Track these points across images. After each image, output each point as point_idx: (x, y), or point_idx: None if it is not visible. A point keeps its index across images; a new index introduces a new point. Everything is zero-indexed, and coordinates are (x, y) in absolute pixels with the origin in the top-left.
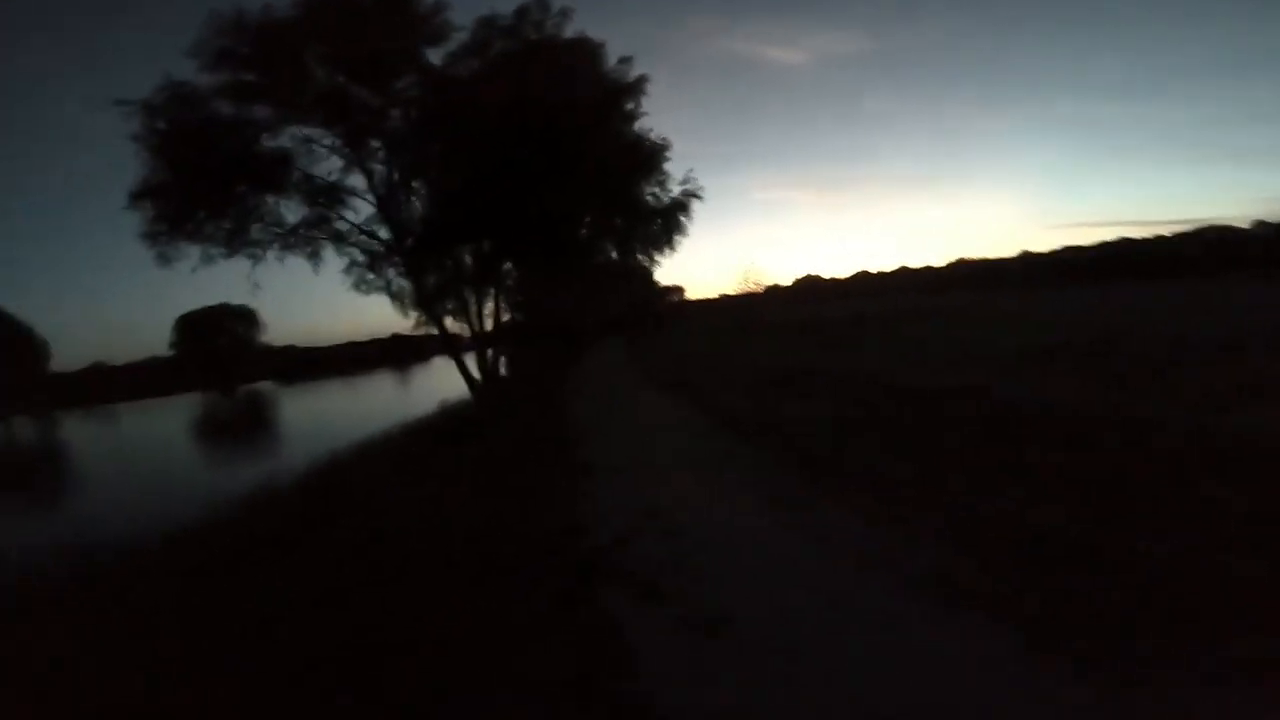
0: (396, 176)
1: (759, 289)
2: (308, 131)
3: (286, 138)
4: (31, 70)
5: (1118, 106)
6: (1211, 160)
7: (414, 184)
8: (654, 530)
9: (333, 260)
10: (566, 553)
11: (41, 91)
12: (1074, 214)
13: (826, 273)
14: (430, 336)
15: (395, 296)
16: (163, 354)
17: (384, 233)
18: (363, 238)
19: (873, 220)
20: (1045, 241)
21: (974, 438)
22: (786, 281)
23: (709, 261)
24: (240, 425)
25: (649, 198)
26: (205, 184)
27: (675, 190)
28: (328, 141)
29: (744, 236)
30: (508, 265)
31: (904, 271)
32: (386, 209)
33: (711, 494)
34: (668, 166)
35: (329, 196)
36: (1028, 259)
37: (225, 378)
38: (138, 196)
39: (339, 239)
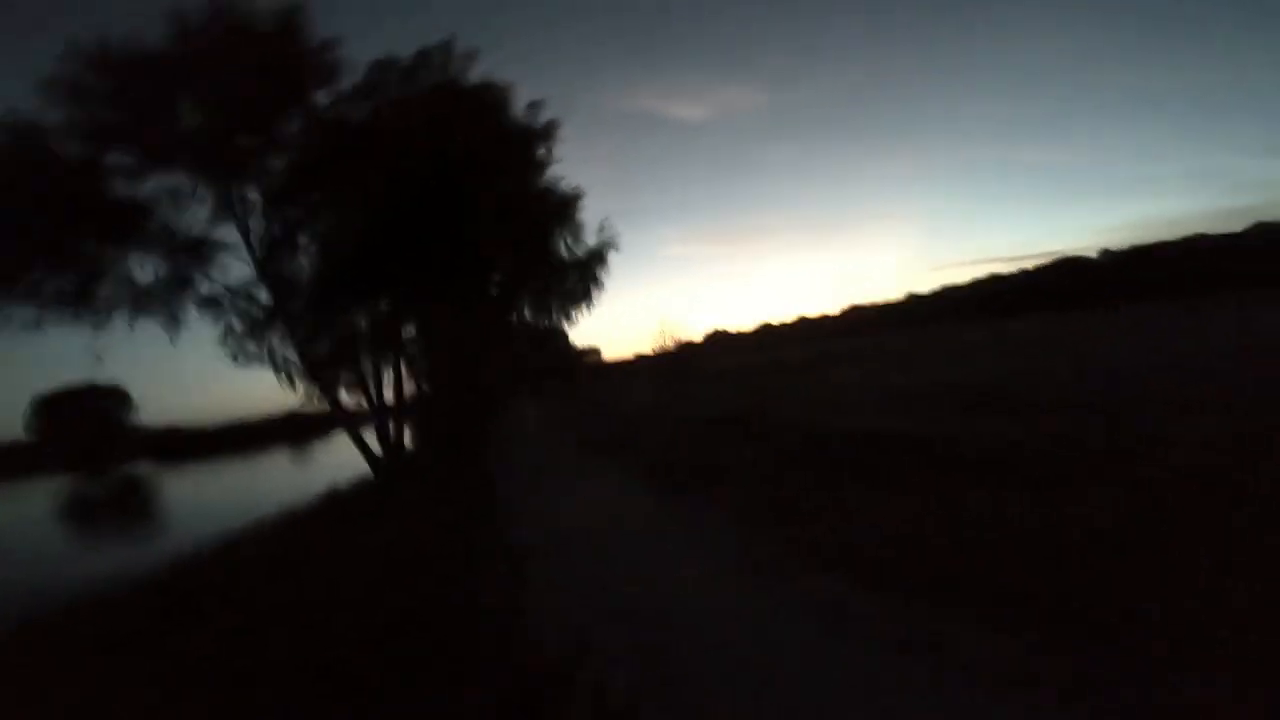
0: (277, 231)
1: (675, 347)
2: (173, 180)
3: (148, 185)
4: None
5: (988, 150)
6: (1066, 198)
7: (299, 240)
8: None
9: (200, 328)
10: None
11: None
12: (953, 253)
13: (732, 326)
14: (331, 411)
15: (279, 368)
16: (15, 437)
17: (264, 295)
18: (239, 302)
19: (776, 269)
20: (928, 281)
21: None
22: (697, 337)
23: (621, 320)
24: (87, 511)
25: (563, 250)
26: (43, 234)
27: (591, 241)
28: (196, 191)
29: (653, 293)
30: (409, 329)
31: (802, 321)
32: (266, 268)
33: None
34: (581, 217)
35: (192, 253)
36: (913, 301)
37: (93, 460)
38: None
39: (211, 303)
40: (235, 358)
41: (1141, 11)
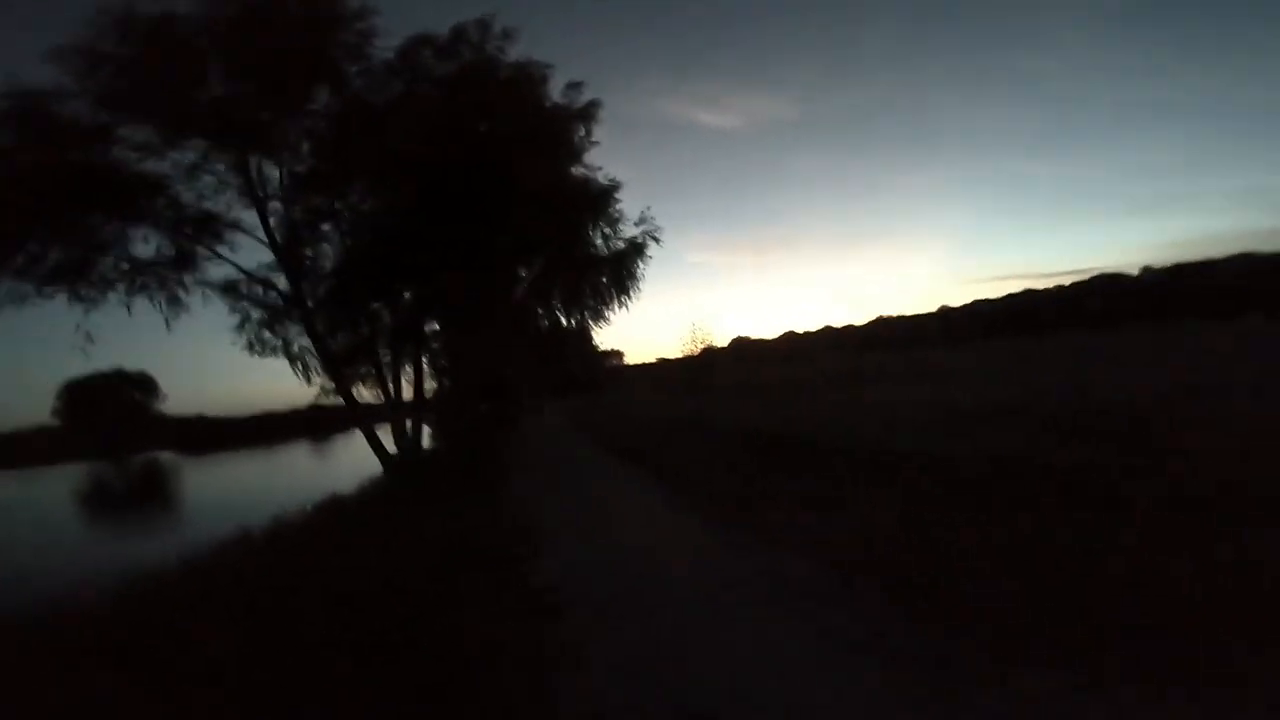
0: (299, 214)
1: (706, 350)
2: (190, 154)
3: (166, 161)
4: None
5: (1022, 164)
6: (1105, 212)
7: (321, 225)
8: None
9: (226, 317)
10: None
11: None
12: (984, 268)
13: (755, 334)
14: (347, 406)
15: (295, 359)
16: (49, 422)
17: (282, 282)
18: (256, 288)
19: (801, 280)
20: (959, 296)
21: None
22: (722, 343)
23: (643, 324)
24: (103, 498)
25: (599, 242)
26: (45, 204)
27: (630, 231)
28: (213, 166)
29: (678, 299)
30: (432, 324)
31: (828, 331)
32: (285, 254)
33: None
34: (619, 208)
35: (199, 229)
36: (945, 314)
37: (117, 447)
38: None
39: (228, 289)
40: (251, 347)
41: (1184, 24)
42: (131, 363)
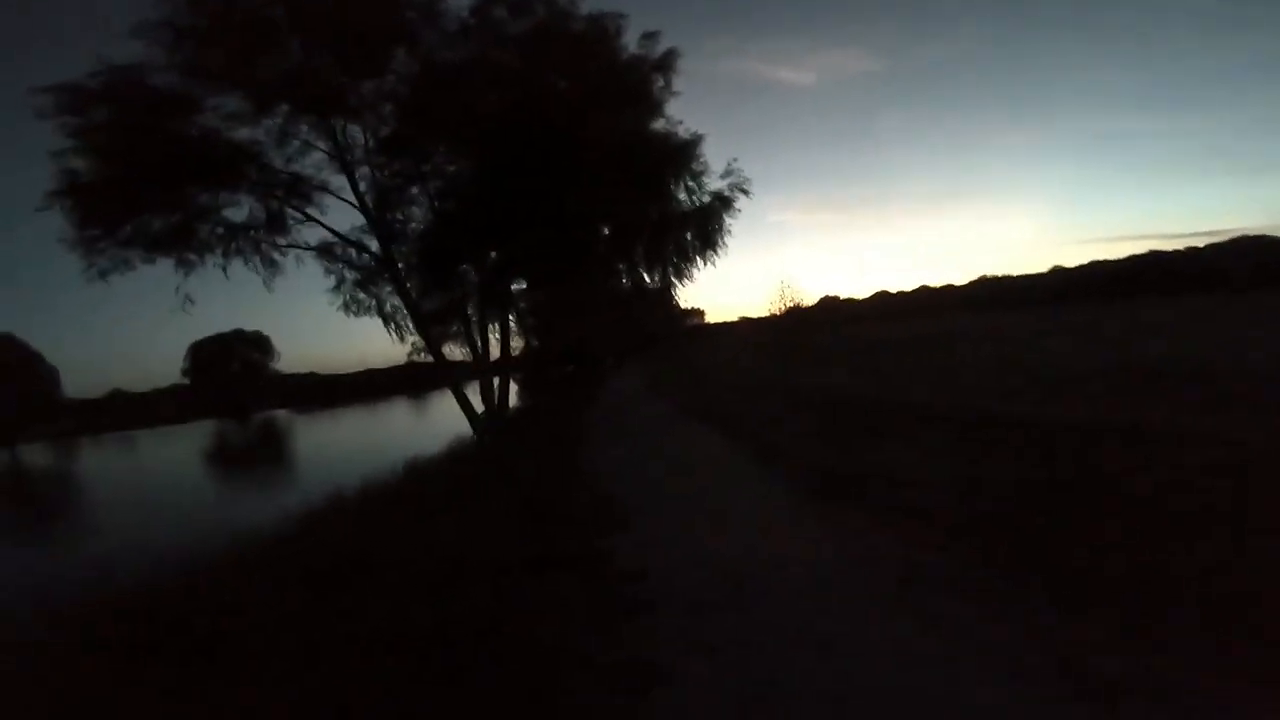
0: (384, 178)
1: (793, 308)
2: (279, 122)
3: (256, 128)
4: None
5: (1135, 120)
6: (1233, 171)
7: (408, 187)
8: None
9: (302, 275)
10: None
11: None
12: (1095, 229)
13: (845, 294)
14: (437, 365)
15: (388, 319)
16: (181, 382)
17: (374, 245)
18: (350, 251)
19: (890, 240)
20: (1068, 257)
21: None
22: (809, 302)
23: (725, 284)
24: (229, 459)
25: (684, 196)
26: (150, 179)
27: (716, 184)
28: (301, 133)
29: (758, 260)
30: (519, 284)
31: (924, 291)
32: (375, 216)
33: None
34: (703, 161)
35: (289, 191)
36: (1060, 274)
37: (239, 406)
38: (59, 194)
39: (324, 252)
40: (347, 307)
41: None
42: (248, 324)
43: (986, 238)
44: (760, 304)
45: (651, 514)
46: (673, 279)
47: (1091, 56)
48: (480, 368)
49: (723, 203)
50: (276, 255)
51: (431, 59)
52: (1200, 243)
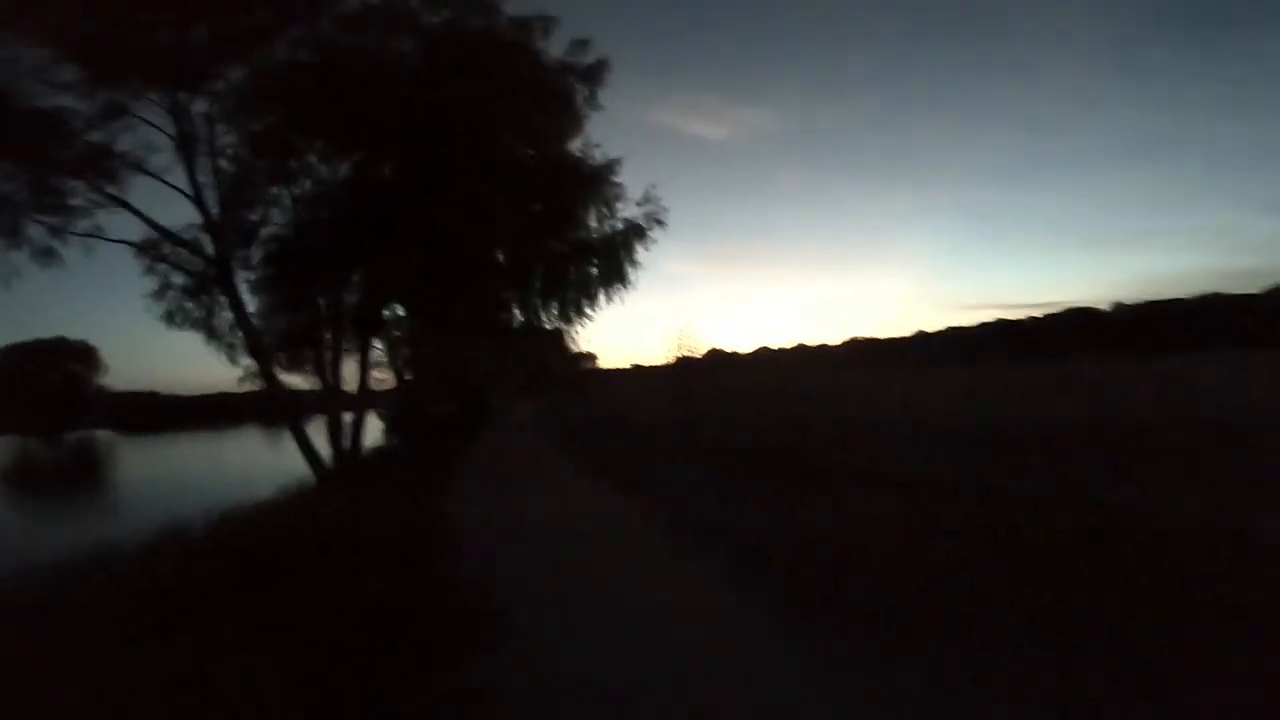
0: (232, 168)
1: (685, 359)
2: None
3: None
4: None
5: (994, 193)
6: (1075, 245)
7: (274, 188)
8: None
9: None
10: None
11: None
12: (957, 294)
13: (730, 347)
14: (309, 392)
15: (218, 336)
16: None
17: (209, 247)
18: (181, 251)
19: (775, 295)
20: (933, 321)
21: None
22: (698, 354)
23: (619, 330)
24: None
25: (594, 224)
26: None
27: (629, 212)
28: (136, 109)
29: (654, 309)
30: (392, 310)
31: (802, 349)
32: (220, 215)
33: None
34: (616, 189)
35: (86, 166)
36: (922, 339)
37: (51, 422)
38: None
39: (147, 249)
40: (171, 318)
41: (1159, 57)
42: (96, 335)
43: (863, 299)
44: (653, 353)
45: (535, 616)
46: (572, 316)
47: (965, 128)
48: (331, 402)
49: (636, 233)
50: (55, 243)
51: (321, 46)
52: (1039, 313)
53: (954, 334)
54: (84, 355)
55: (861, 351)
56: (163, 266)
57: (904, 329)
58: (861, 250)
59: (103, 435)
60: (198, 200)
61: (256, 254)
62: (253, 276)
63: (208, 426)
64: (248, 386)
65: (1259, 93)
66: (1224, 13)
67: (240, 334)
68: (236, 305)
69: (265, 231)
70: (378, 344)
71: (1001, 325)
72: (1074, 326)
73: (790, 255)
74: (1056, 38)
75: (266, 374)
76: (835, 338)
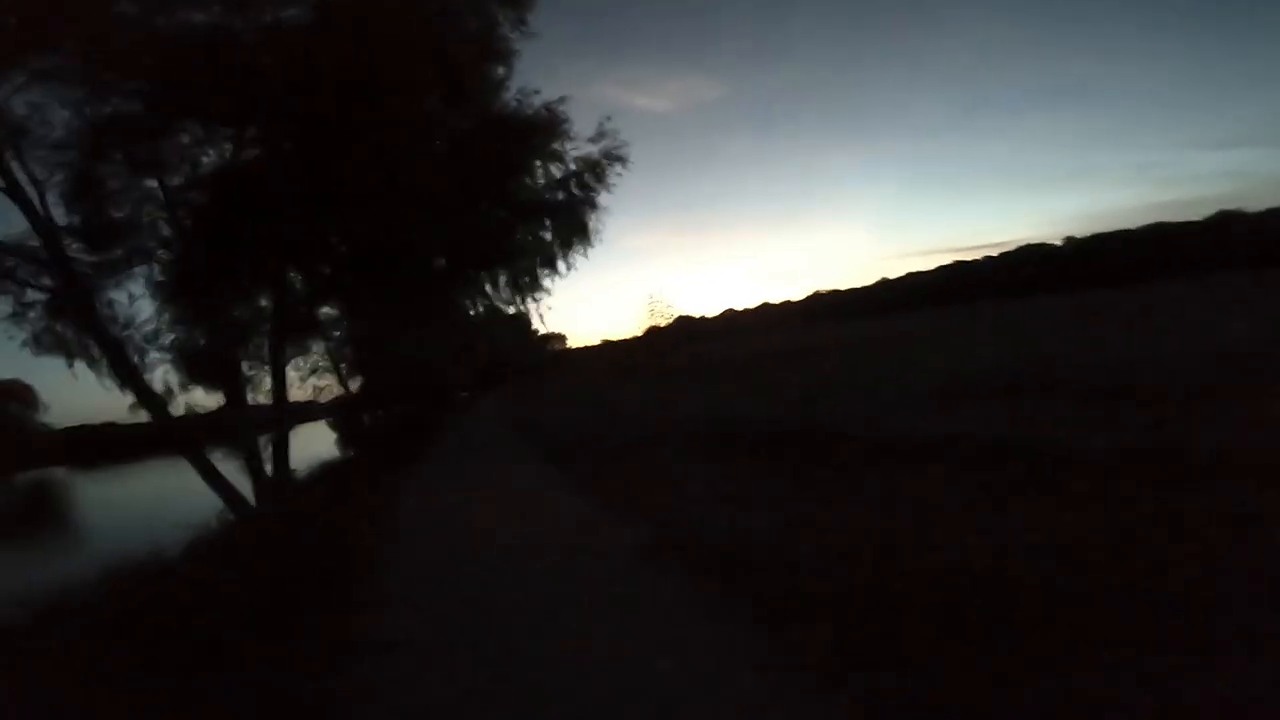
0: (88, 165)
1: (667, 323)
2: None
3: None
4: None
5: (941, 141)
6: (1022, 188)
7: (145, 181)
8: None
9: None
10: None
11: None
12: (914, 242)
13: (696, 313)
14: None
15: (92, 360)
16: None
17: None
18: (25, 266)
19: (734, 259)
20: (893, 269)
21: None
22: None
23: (585, 309)
24: None
25: (541, 182)
26: None
27: (582, 151)
28: None
29: (618, 284)
30: (325, 308)
31: (766, 307)
32: (53, 214)
33: None
34: (563, 143)
35: None
36: (884, 285)
37: None
38: None
39: None
40: (38, 342)
41: (1092, 5)
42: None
43: (821, 254)
44: (620, 326)
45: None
46: (526, 290)
47: (909, 82)
48: (241, 420)
49: (595, 172)
50: None
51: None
52: (994, 252)
53: (915, 279)
54: (18, 394)
55: (825, 304)
56: (11, 285)
57: (866, 279)
58: (816, 207)
59: (57, 474)
60: (20, 201)
61: (123, 259)
62: (118, 288)
63: (167, 454)
64: (142, 416)
65: (1189, 37)
66: None
67: (107, 354)
68: (94, 324)
69: (139, 232)
70: (316, 349)
71: (960, 267)
72: (1031, 261)
73: (746, 218)
74: None
75: (146, 401)
76: (798, 294)
